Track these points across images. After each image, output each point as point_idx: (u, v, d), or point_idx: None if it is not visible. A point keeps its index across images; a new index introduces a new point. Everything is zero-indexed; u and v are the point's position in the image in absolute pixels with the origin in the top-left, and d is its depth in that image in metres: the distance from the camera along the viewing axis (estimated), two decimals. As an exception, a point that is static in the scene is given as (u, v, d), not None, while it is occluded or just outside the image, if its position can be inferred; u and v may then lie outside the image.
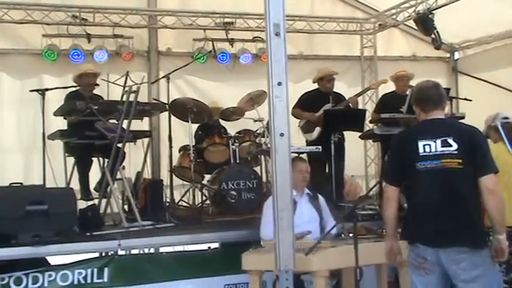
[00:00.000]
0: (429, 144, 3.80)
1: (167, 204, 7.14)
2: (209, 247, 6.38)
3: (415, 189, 3.90)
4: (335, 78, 7.90)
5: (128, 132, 6.26)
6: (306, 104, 7.72)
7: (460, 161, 3.74)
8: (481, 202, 3.75)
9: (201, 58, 9.19)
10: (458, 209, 3.75)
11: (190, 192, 7.40)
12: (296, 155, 6.58)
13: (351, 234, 5.06)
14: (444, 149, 3.76)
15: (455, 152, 3.74)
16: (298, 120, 7.79)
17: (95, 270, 5.50)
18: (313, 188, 5.86)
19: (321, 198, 5.80)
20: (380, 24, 10.43)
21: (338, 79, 8.07)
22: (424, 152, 3.80)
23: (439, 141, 3.78)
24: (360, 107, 8.17)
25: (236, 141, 7.64)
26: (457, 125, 4.10)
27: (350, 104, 7.76)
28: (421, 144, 3.82)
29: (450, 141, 3.77)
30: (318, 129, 7.57)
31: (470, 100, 8.04)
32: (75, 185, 6.83)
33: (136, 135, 6.83)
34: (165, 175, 8.10)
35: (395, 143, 4.08)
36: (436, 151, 3.78)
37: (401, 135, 4.26)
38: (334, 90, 7.87)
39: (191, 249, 6.29)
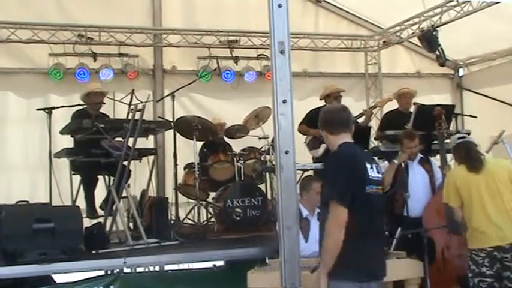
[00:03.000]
0: (370, 168, 3.72)
1: (172, 222, 7.14)
2: (214, 265, 6.38)
3: (360, 215, 3.58)
4: (342, 96, 7.92)
5: (134, 150, 6.28)
6: (312, 120, 7.71)
7: (381, 188, 3.81)
8: None
9: (206, 76, 9.24)
10: (385, 237, 3.94)
11: (195, 210, 7.38)
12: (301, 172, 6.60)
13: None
14: (377, 175, 3.77)
15: (381, 179, 3.81)
16: (305, 136, 7.80)
17: (101, 288, 5.51)
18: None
19: None
20: (384, 41, 10.47)
21: (343, 96, 8.09)
22: (371, 175, 3.71)
23: (374, 167, 3.76)
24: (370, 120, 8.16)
25: (241, 158, 7.65)
26: None
27: (364, 116, 7.77)
28: (368, 166, 3.71)
29: (378, 168, 3.81)
30: (323, 146, 7.57)
31: (475, 117, 8.04)
32: (81, 203, 6.83)
33: (142, 153, 6.85)
34: (170, 193, 8.11)
35: (350, 162, 3.71)
36: (375, 176, 3.74)
37: (352, 155, 3.79)
38: (340, 107, 7.89)
39: (196, 267, 6.29)
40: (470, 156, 4.92)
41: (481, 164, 4.83)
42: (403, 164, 6.22)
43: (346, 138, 3.86)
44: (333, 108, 4.12)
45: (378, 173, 3.77)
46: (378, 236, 3.75)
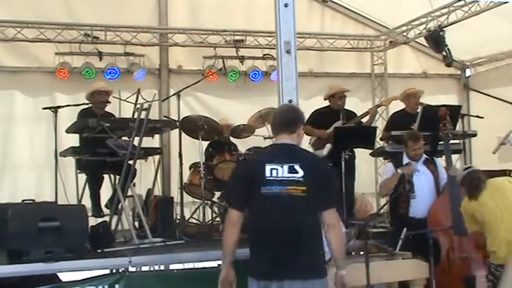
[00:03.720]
0: (276, 169, 3.71)
1: (177, 221, 7.14)
2: (219, 264, 6.34)
3: (257, 215, 3.80)
4: (346, 96, 7.90)
5: (139, 149, 6.29)
6: (317, 121, 7.71)
7: (305, 188, 3.68)
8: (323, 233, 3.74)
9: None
10: (298, 238, 3.68)
11: (200, 209, 7.40)
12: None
13: (361, 252, 5.04)
14: (290, 175, 3.69)
15: (301, 179, 3.69)
16: (309, 137, 7.79)
17: (106, 287, 5.48)
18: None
19: None
20: (390, 42, 10.45)
21: (349, 96, 8.07)
22: (271, 176, 3.71)
23: (286, 167, 3.71)
24: (375, 120, 8.14)
25: (246, 158, 7.63)
26: (305, 152, 3.99)
27: (368, 116, 7.76)
28: (268, 168, 3.73)
29: (297, 167, 3.70)
30: (328, 146, 7.56)
31: (481, 117, 8.02)
32: (86, 201, 6.84)
33: (147, 152, 6.84)
34: (175, 192, 8.12)
35: (242, 166, 4.05)
36: (282, 176, 3.69)
37: (251, 159, 4.15)
38: (345, 107, 7.88)
39: (201, 267, 6.27)
40: (468, 187, 5.08)
41: (477, 191, 4.96)
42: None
43: (284, 139, 3.88)
44: (277, 109, 4.08)
45: (294, 172, 3.69)
46: (280, 236, 3.68)
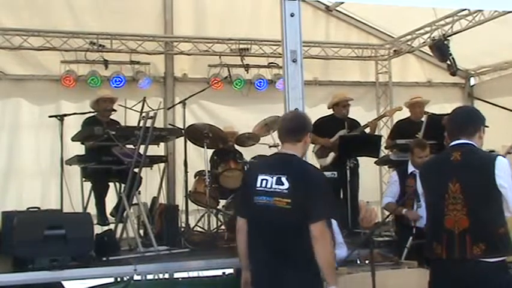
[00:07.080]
0: (266, 179, 3.75)
1: (182, 229, 7.14)
2: (224, 273, 6.38)
3: (251, 225, 3.87)
4: (350, 104, 7.91)
5: (145, 157, 6.30)
6: (321, 129, 7.71)
7: (289, 201, 3.64)
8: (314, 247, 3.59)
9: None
10: (283, 252, 3.66)
11: (205, 218, 7.40)
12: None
13: (367, 261, 5.03)
14: (277, 186, 3.69)
15: (286, 191, 3.65)
16: (313, 145, 7.79)
17: (111, 295, 5.52)
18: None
19: (333, 222, 5.77)
20: (395, 50, 10.46)
21: (353, 105, 8.09)
22: (261, 186, 3.76)
23: (274, 178, 3.72)
24: (376, 132, 8.15)
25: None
26: (296, 163, 3.83)
27: (369, 128, 7.76)
28: (260, 178, 3.78)
29: (283, 179, 3.68)
30: (332, 155, 7.58)
31: (486, 126, 7.99)
32: (91, 209, 6.86)
33: (153, 160, 6.86)
34: (180, 200, 8.10)
35: (244, 174, 4.09)
36: (271, 187, 3.71)
37: (250, 167, 4.18)
38: (349, 116, 7.88)
39: (206, 275, 6.28)
40: None
41: None
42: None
43: (286, 149, 3.88)
44: (282, 117, 4.04)
45: (280, 184, 3.69)
46: (264, 248, 3.72)
